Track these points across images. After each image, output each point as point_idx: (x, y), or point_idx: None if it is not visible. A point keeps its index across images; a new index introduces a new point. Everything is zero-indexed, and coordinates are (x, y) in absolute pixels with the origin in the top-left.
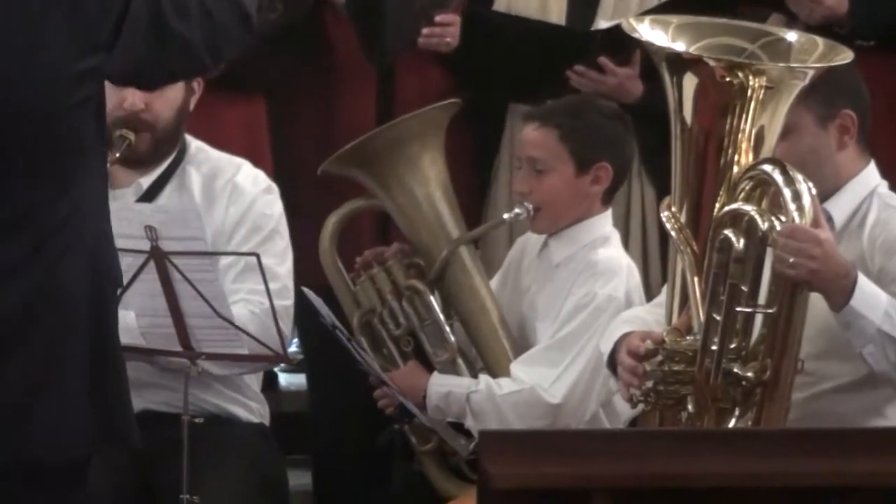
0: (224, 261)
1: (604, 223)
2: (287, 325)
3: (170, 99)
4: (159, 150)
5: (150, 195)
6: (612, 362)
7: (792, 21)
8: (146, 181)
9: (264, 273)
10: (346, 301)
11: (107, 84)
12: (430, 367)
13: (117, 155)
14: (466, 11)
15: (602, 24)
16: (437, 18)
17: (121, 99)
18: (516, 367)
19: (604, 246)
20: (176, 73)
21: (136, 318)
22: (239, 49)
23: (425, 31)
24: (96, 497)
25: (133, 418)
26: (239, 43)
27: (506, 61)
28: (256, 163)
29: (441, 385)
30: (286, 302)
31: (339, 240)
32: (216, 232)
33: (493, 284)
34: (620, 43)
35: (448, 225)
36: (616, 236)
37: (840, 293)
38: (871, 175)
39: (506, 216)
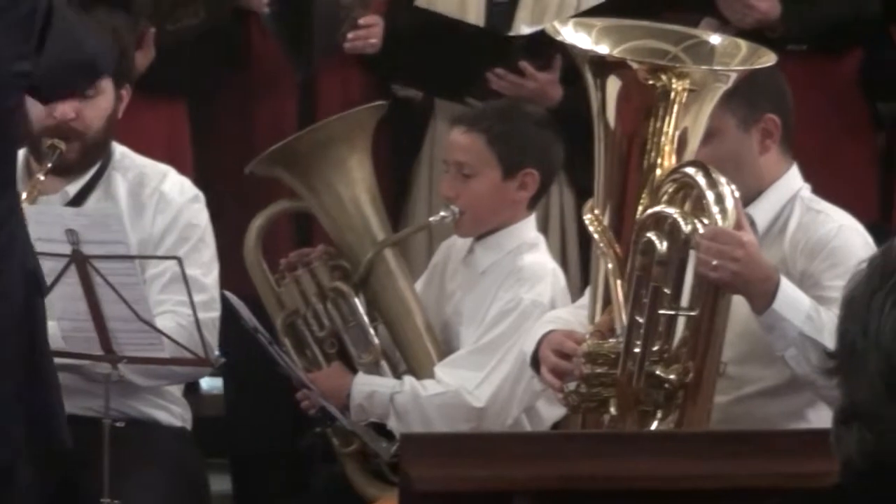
0: (150, 271)
1: (528, 228)
2: (214, 336)
3: (100, 108)
4: (88, 158)
5: (76, 202)
6: (535, 362)
7: (724, 26)
8: (73, 188)
9: (186, 278)
10: (270, 302)
11: None
12: (354, 370)
13: (49, 165)
14: (387, 10)
15: (524, 29)
16: (361, 21)
17: (51, 108)
18: (440, 369)
19: (530, 251)
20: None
21: (57, 322)
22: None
23: (350, 35)
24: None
25: (64, 421)
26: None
27: (427, 59)
28: (178, 167)
29: (365, 385)
30: (213, 314)
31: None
32: (143, 241)
33: (417, 288)
34: (542, 48)
35: (373, 227)
36: (542, 241)
37: (762, 296)
38: (793, 179)
39: (431, 219)
